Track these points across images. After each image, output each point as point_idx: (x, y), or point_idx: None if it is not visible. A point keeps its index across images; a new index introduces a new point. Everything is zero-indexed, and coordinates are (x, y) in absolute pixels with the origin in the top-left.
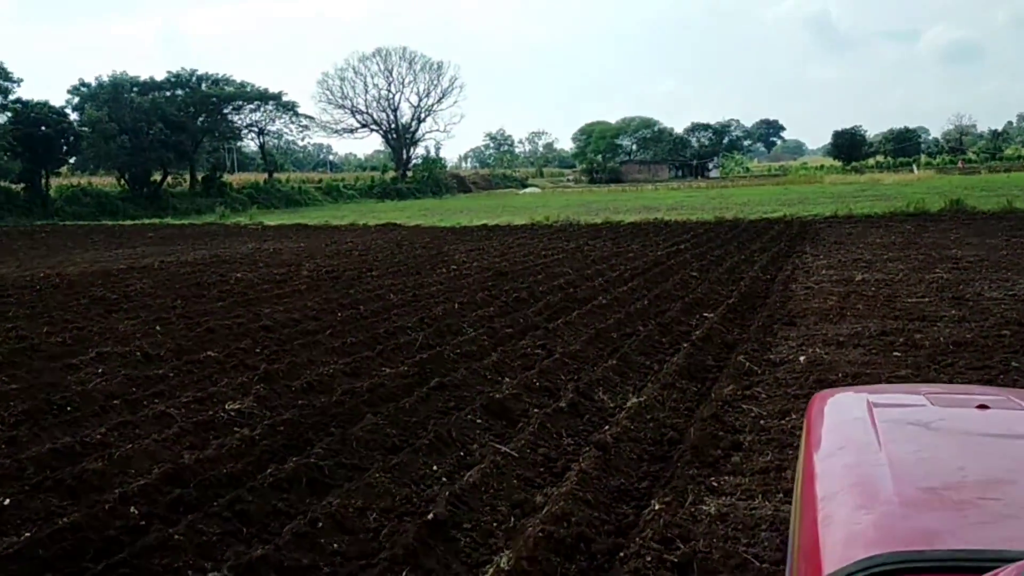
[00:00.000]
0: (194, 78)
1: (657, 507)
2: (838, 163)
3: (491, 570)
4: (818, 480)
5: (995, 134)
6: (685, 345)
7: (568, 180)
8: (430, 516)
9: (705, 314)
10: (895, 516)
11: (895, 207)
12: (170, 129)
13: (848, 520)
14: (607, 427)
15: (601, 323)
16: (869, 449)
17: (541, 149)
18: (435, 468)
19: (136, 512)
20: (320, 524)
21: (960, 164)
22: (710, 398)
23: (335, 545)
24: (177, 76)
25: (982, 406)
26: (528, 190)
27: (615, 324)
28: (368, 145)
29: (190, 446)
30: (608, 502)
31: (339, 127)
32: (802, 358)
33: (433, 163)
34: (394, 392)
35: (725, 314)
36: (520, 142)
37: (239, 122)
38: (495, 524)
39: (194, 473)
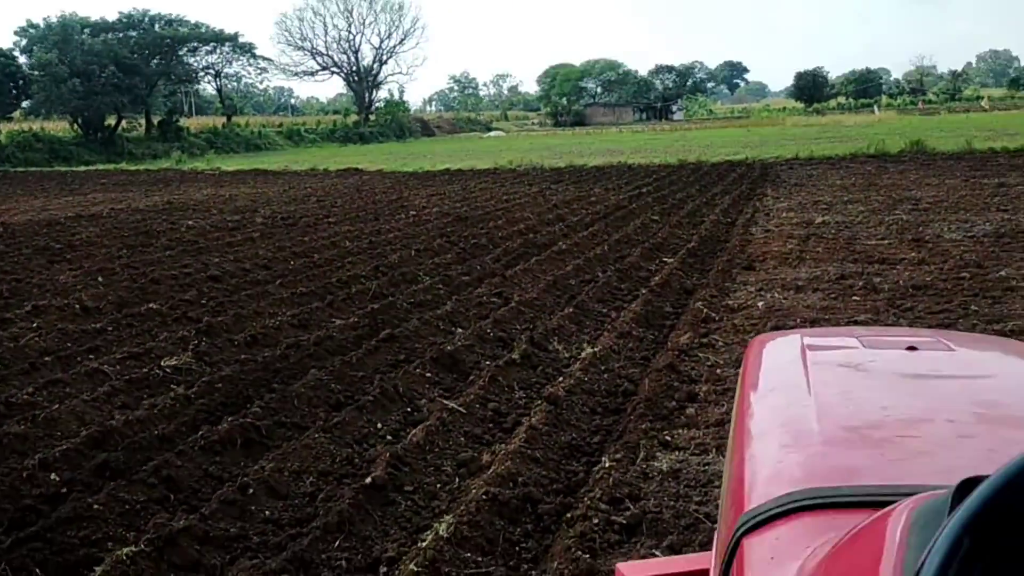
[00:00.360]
0: (147, 19)
1: (607, 464)
2: (800, 105)
3: (430, 536)
4: (747, 421)
5: (955, 75)
6: (644, 291)
7: (533, 123)
8: (368, 480)
9: (665, 259)
10: (816, 455)
11: (856, 148)
12: (123, 72)
13: (771, 459)
14: (561, 379)
15: (560, 269)
16: (798, 390)
17: (506, 92)
18: (380, 426)
19: (57, 479)
20: (251, 490)
21: (920, 105)
22: (666, 347)
23: (267, 512)
24: (129, 17)
25: (911, 347)
26: (492, 134)
27: (574, 270)
28: (330, 88)
29: (122, 406)
30: (558, 459)
31: (299, 70)
32: (761, 304)
33: (396, 106)
34: (342, 345)
35: (685, 259)
36: (485, 85)
37: (195, 64)
38: (439, 486)
39: (123, 435)
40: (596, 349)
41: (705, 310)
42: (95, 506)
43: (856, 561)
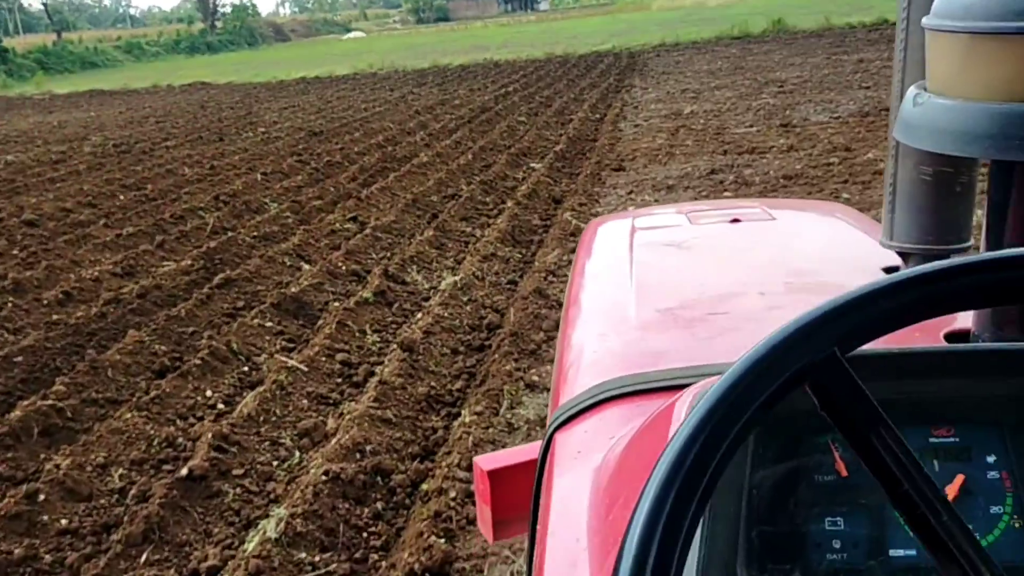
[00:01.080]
0: None
1: (467, 419)
2: None
3: (256, 539)
4: (571, 309)
5: None
6: (510, 204)
7: (395, 22)
8: (185, 470)
9: (532, 164)
10: (630, 341)
11: (720, 31)
12: None
13: (588, 348)
14: (419, 316)
15: (421, 185)
16: (620, 274)
17: None
18: (209, 394)
19: None
20: (43, 496)
21: None
22: (533, 267)
23: (63, 521)
24: None
25: (735, 220)
26: (351, 35)
27: (435, 185)
28: None
29: None
30: (414, 416)
31: None
32: (632, 208)
33: (244, 11)
34: (172, 295)
35: (553, 163)
36: None
37: None
38: (275, 464)
39: None
40: (458, 277)
41: (574, 221)
42: None
43: (645, 448)
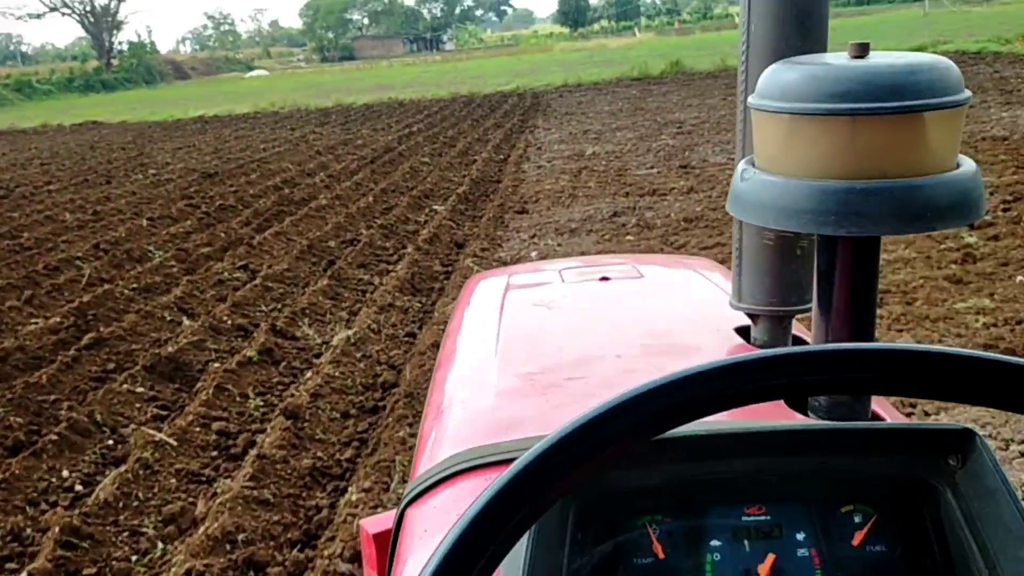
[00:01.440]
0: None
1: (354, 497)
2: (566, 30)
3: None
4: (439, 371)
5: None
6: (410, 249)
7: (299, 60)
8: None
9: (435, 207)
10: (487, 408)
11: (621, 72)
12: None
13: (447, 415)
14: (309, 375)
15: (318, 230)
16: (488, 335)
17: (267, 27)
18: (66, 474)
19: None
20: None
21: (676, 25)
22: (433, 318)
23: None
24: None
25: (604, 278)
26: (254, 73)
27: (334, 229)
28: (68, 32)
29: None
30: (296, 494)
31: (21, 12)
32: (534, 253)
33: (141, 48)
34: (36, 357)
35: (456, 205)
36: (243, 20)
37: None
38: (134, 559)
39: None
40: (352, 331)
41: (475, 267)
42: None
43: None
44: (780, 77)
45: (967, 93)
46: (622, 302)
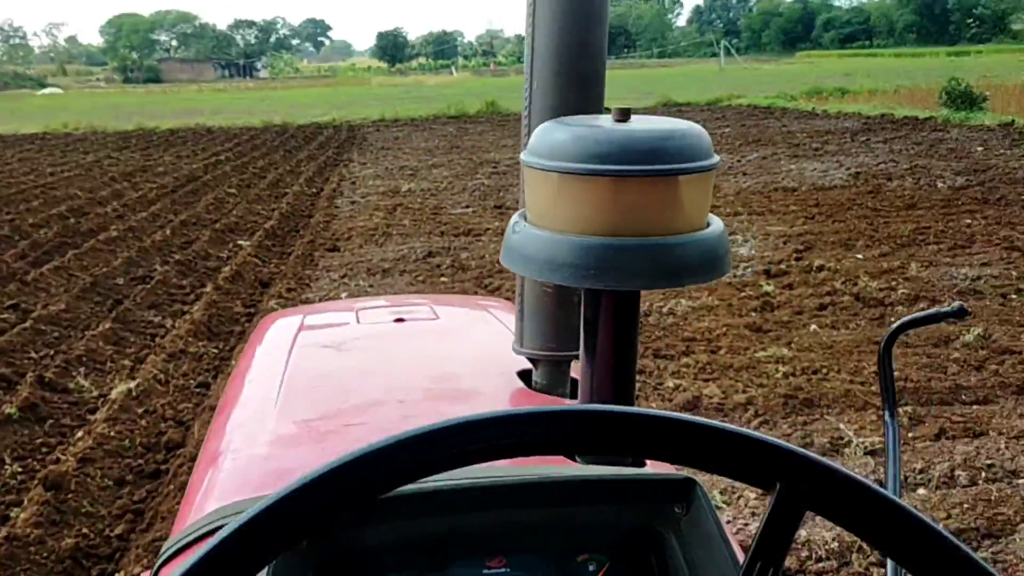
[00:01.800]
0: None
1: None
2: (384, 64)
3: None
4: (217, 418)
5: (521, 39)
6: (209, 288)
7: (98, 80)
8: None
9: (240, 242)
10: (258, 458)
11: (438, 110)
12: None
13: (217, 465)
14: (79, 436)
15: (105, 265)
16: (272, 379)
17: (63, 43)
18: None
19: None
20: None
21: (492, 66)
22: (230, 365)
23: None
24: None
25: (399, 319)
26: (47, 91)
27: (123, 265)
28: None
29: None
30: None
31: None
32: (344, 295)
33: None
34: None
35: (263, 241)
36: (36, 35)
37: None
38: None
39: None
40: (134, 383)
41: (280, 309)
42: None
43: None
44: (549, 136)
45: (716, 158)
46: (413, 344)
